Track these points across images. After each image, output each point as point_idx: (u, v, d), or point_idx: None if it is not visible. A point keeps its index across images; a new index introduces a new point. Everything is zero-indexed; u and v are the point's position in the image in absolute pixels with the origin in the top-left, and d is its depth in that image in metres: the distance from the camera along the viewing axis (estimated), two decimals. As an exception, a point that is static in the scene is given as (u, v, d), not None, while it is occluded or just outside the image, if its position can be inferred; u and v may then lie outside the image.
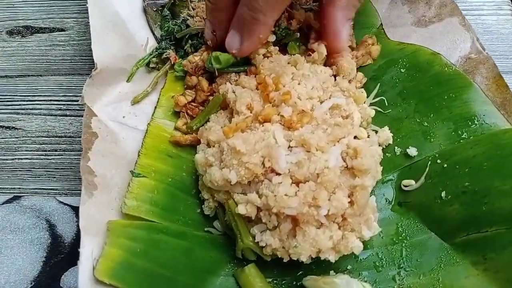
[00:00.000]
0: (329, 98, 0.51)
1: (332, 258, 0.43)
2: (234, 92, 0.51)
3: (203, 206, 0.49)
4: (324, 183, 0.42)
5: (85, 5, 0.59)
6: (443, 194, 0.47)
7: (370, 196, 0.48)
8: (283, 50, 0.55)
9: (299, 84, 0.51)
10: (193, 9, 0.63)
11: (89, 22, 0.57)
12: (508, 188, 0.44)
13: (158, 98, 0.55)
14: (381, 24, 0.60)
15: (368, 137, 0.50)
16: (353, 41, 0.58)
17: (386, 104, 0.54)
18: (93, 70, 0.52)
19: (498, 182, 0.45)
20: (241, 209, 0.43)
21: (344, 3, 0.52)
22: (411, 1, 0.61)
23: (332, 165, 0.43)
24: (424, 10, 0.59)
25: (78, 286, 0.40)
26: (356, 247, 0.43)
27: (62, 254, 0.51)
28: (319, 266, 0.46)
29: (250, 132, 0.46)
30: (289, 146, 0.45)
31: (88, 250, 0.41)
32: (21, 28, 0.68)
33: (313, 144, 0.43)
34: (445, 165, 0.48)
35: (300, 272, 0.46)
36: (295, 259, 0.42)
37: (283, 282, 0.46)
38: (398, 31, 0.59)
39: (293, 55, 0.53)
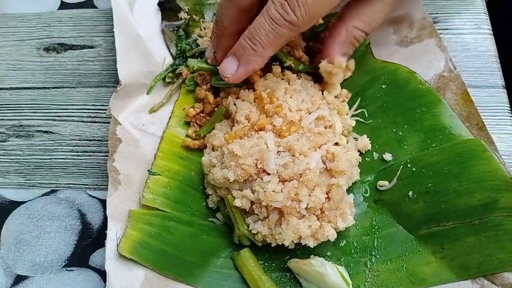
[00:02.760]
0: (317, 109, 0.60)
1: (311, 244, 0.51)
2: (235, 105, 0.60)
3: (207, 200, 0.58)
4: (305, 181, 0.51)
5: (111, 25, 0.69)
6: (410, 193, 0.55)
7: (349, 194, 0.57)
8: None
9: (291, 97, 0.60)
10: (204, 28, 0.73)
11: (114, 40, 0.68)
12: (462, 189, 0.52)
13: (173, 109, 0.65)
14: (369, 43, 0.69)
15: (347, 143, 0.59)
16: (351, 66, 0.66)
17: (367, 116, 0.62)
18: (118, 85, 0.62)
19: (455, 184, 0.53)
20: (238, 203, 0.53)
21: (343, 38, 0.59)
22: (396, 22, 0.69)
23: (312, 167, 0.52)
24: (407, 31, 0.67)
25: (106, 259, 0.50)
26: (331, 235, 0.51)
27: (90, 238, 0.61)
28: (303, 251, 0.55)
29: (247, 139, 0.55)
30: (278, 151, 0.53)
31: (113, 232, 0.51)
32: (56, 45, 0.79)
33: (297, 150, 0.52)
34: (414, 169, 0.56)
35: (287, 256, 0.55)
36: (280, 244, 0.51)
37: (273, 264, 0.55)
38: (383, 50, 0.67)
39: (285, 69, 0.61)
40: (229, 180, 0.53)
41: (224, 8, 0.56)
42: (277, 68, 0.62)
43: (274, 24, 0.51)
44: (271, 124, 0.56)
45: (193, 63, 0.60)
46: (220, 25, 0.57)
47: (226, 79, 0.56)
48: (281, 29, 0.51)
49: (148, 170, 0.57)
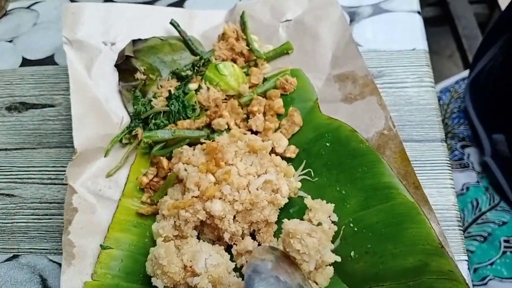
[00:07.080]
0: (265, 172, 0.63)
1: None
2: (186, 170, 0.63)
3: (161, 265, 0.60)
4: None
5: (72, 82, 0.72)
6: (352, 253, 0.58)
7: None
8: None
9: (241, 160, 0.63)
10: (161, 87, 0.76)
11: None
12: (398, 252, 0.56)
13: (128, 174, 0.67)
14: (317, 98, 0.72)
15: (293, 207, 0.62)
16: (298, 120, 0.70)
17: (313, 175, 0.66)
18: (73, 154, 0.64)
19: (391, 246, 0.56)
20: None
21: None
22: (341, 79, 0.72)
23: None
24: (351, 88, 0.71)
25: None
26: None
27: (52, 304, 0.63)
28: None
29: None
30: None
31: (66, 312, 0.54)
32: (17, 104, 0.81)
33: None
34: (356, 229, 0.60)
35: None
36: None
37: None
38: (329, 106, 0.70)
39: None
40: None
41: None
42: (235, 131, 0.65)
43: None
44: (220, 191, 0.59)
45: (147, 136, 0.63)
46: None
47: None
48: None
49: (100, 245, 0.59)
